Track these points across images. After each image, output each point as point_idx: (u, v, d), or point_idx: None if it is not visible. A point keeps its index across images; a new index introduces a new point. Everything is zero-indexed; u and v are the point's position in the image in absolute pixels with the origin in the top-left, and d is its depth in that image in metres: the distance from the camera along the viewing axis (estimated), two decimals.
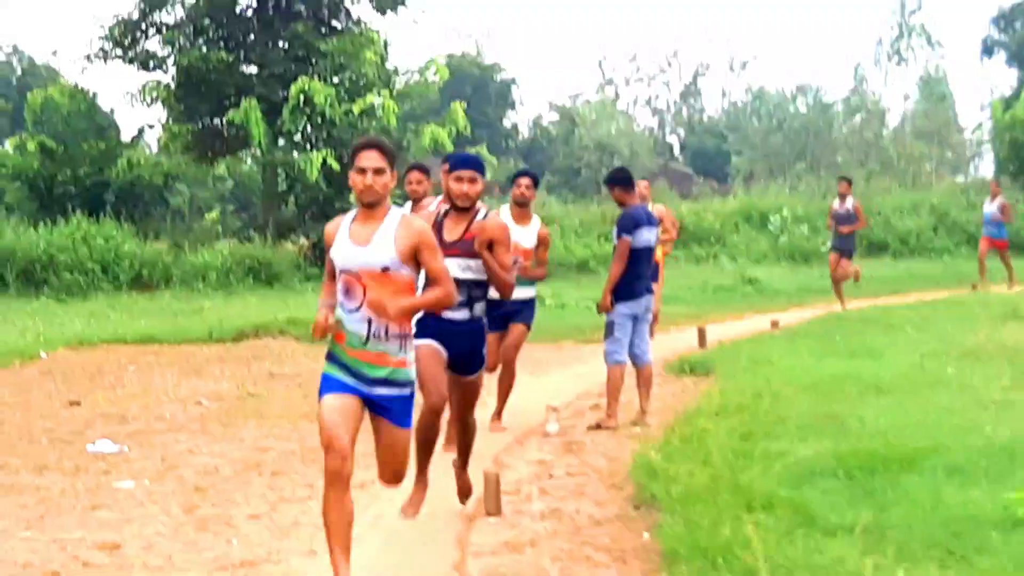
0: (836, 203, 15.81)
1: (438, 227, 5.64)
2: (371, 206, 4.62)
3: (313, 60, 21.83)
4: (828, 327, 12.54)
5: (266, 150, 20.84)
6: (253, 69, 22.84)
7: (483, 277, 5.65)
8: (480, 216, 5.72)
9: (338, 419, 4.53)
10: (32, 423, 8.83)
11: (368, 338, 4.60)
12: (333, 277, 4.74)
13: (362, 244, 4.61)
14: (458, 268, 5.45)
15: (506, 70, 61.81)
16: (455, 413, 6.03)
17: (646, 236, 8.19)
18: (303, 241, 21.41)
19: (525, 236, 7.68)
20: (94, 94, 25.85)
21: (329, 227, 4.80)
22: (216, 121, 22.41)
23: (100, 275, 19.19)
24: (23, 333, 13.84)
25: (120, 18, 22.74)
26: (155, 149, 26.67)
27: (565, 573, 5.02)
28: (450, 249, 5.49)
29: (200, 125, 22.58)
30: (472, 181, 5.60)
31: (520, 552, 5.35)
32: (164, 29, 22.99)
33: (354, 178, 4.62)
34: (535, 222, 7.87)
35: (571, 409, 9.03)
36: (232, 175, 25.50)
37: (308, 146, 21.03)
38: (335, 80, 21.39)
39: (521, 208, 7.79)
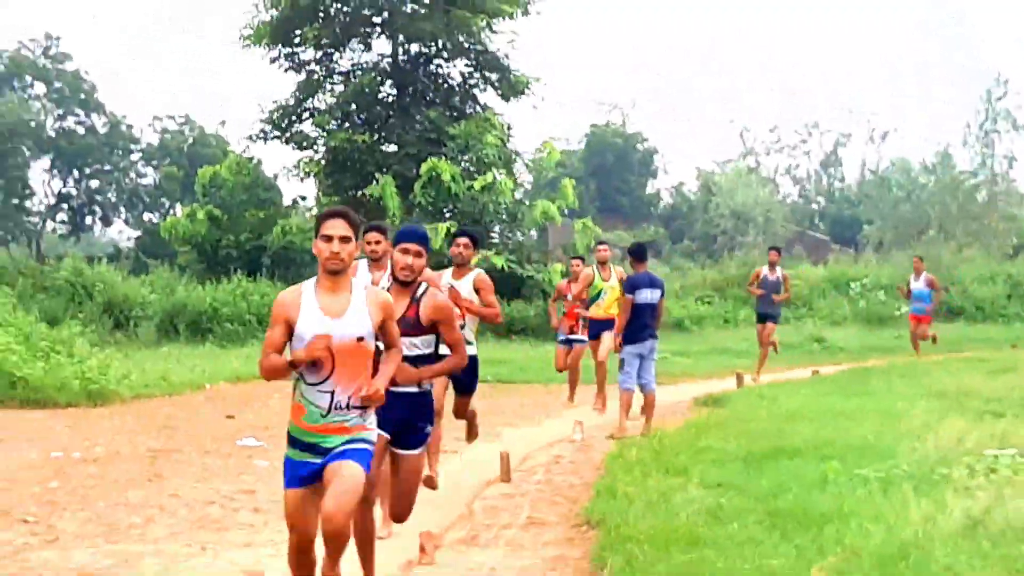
0: (766, 270, 16.54)
1: None
2: (336, 274, 4.79)
3: (443, 142, 25.41)
4: (852, 376, 15.03)
5: (399, 220, 24.40)
6: (391, 148, 26.61)
7: (429, 351, 5.78)
8: (421, 291, 5.78)
9: (303, 511, 4.84)
10: (199, 429, 12.22)
11: (329, 410, 4.77)
12: (278, 350, 4.82)
13: (336, 316, 4.76)
14: (405, 346, 5.46)
15: (648, 139, 65.17)
16: (392, 501, 6.04)
17: (647, 295, 11.02)
18: None
19: (463, 287, 8.16)
20: (259, 161, 29.93)
21: (285, 298, 4.86)
22: (359, 194, 26.14)
23: (256, 326, 22.92)
24: (192, 370, 17.45)
25: (279, 104, 26.93)
26: (307, 216, 30.75)
27: (533, 508, 7.93)
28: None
29: (345, 197, 26.38)
30: (418, 255, 5.62)
31: (512, 499, 8.28)
32: (316, 114, 27.10)
33: (320, 246, 4.78)
34: (472, 274, 8.32)
35: (604, 426, 11.90)
36: None
37: (435, 217, 24.46)
38: (461, 159, 24.88)
39: (460, 267, 8.28)
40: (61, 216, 60.24)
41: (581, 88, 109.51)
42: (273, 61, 27.12)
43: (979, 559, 5.38)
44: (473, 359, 7.54)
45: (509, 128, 26.38)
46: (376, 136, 26.52)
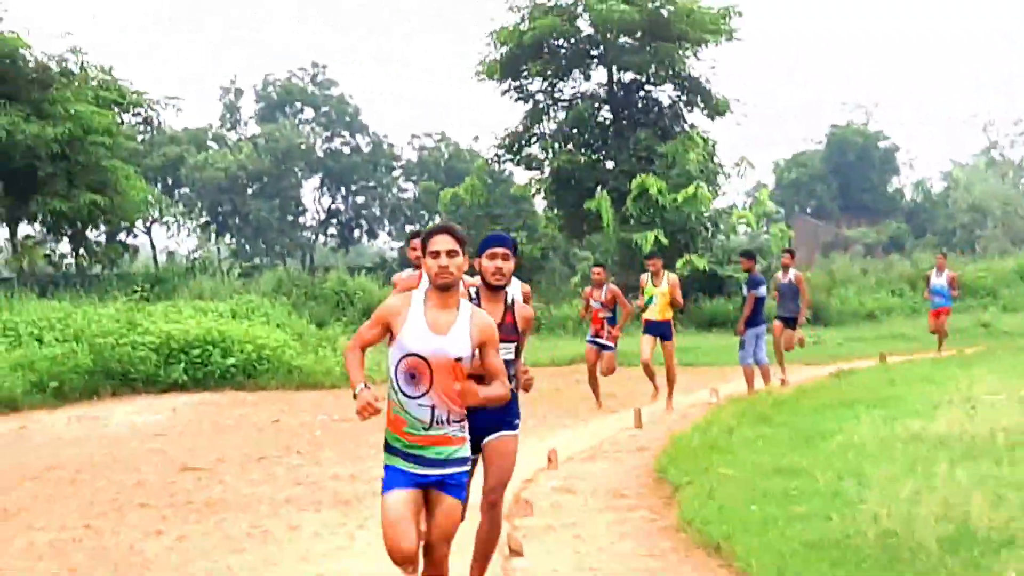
0: (780, 274, 17.17)
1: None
2: (445, 289, 4.94)
3: (652, 159, 29.69)
4: (979, 355, 18.29)
5: (614, 230, 28.75)
6: (608, 166, 31.11)
7: (511, 357, 5.74)
8: (511, 298, 5.86)
9: (403, 516, 4.84)
10: None
11: (431, 424, 4.90)
12: (368, 344, 5.09)
13: (441, 333, 4.90)
14: (501, 350, 5.38)
15: (890, 137, 67.00)
16: (491, 481, 5.83)
17: (763, 291, 14.97)
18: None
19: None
20: (509, 174, 35.01)
21: (392, 303, 5.08)
22: (580, 208, 30.70)
23: None
24: None
25: (509, 131, 31.98)
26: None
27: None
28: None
29: (568, 211, 31.11)
30: (505, 258, 5.66)
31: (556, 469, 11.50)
32: (542, 138, 31.96)
33: (428, 262, 4.94)
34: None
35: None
36: (592, 249, 33.40)
37: (645, 226, 28.67)
38: (668, 174, 29.03)
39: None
40: (331, 230, 67.76)
41: (820, 90, 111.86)
42: (504, 93, 32.19)
43: None
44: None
45: (714, 144, 30.39)
46: (594, 156, 31.19)
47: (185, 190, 61.87)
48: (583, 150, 31.57)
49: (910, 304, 29.24)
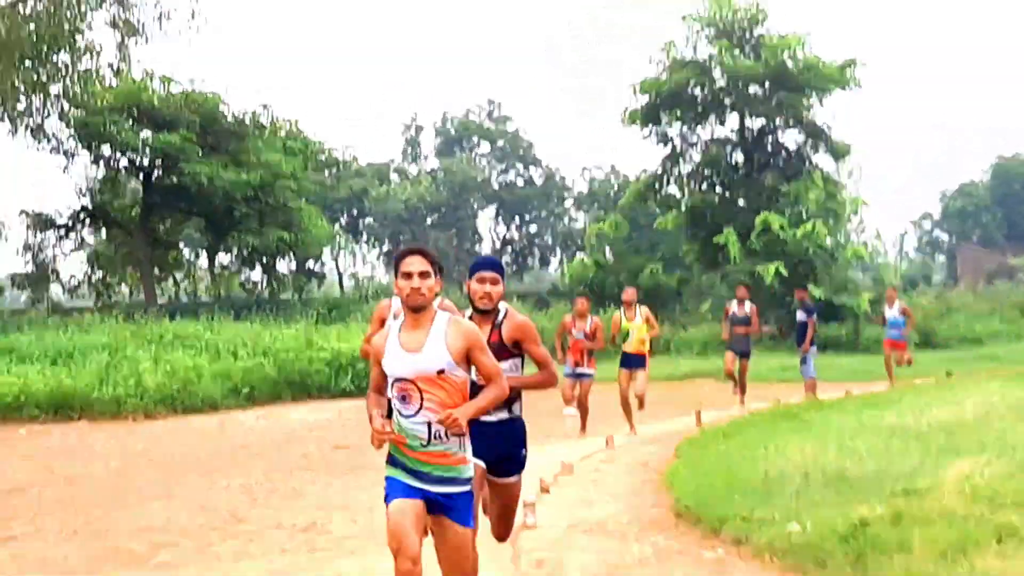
0: (735, 306, 18.50)
1: None
2: (418, 310, 5.14)
3: (776, 198, 33.35)
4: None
5: (740, 262, 32.44)
6: (739, 204, 34.88)
7: (517, 374, 6.06)
8: (501, 316, 6.08)
9: (406, 523, 5.00)
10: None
11: (429, 440, 5.09)
12: (379, 390, 5.34)
13: (414, 351, 5.09)
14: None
15: None
16: (494, 528, 6.37)
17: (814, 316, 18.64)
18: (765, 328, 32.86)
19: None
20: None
21: (377, 339, 5.33)
22: (711, 242, 34.52)
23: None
24: None
25: (649, 172, 36.24)
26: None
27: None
28: None
29: (699, 244, 34.99)
30: (494, 282, 5.98)
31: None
32: (680, 179, 36.03)
33: (400, 284, 5.12)
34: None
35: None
36: (722, 280, 37.09)
37: (766, 259, 32.29)
38: (790, 211, 32.64)
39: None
40: (506, 258, 72.83)
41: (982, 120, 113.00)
42: (645, 138, 36.40)
43: None
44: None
45: (836, 183, 33.92)
46: (726, 194, 35.10)
47: (369, 220, 67.96)
48: (715, 190, 35.64)
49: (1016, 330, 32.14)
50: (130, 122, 33.88)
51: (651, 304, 21.66)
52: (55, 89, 31.32)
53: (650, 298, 35.77)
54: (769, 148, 35.49)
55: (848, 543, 6.89)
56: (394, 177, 69.71)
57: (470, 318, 5.98)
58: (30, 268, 38.27)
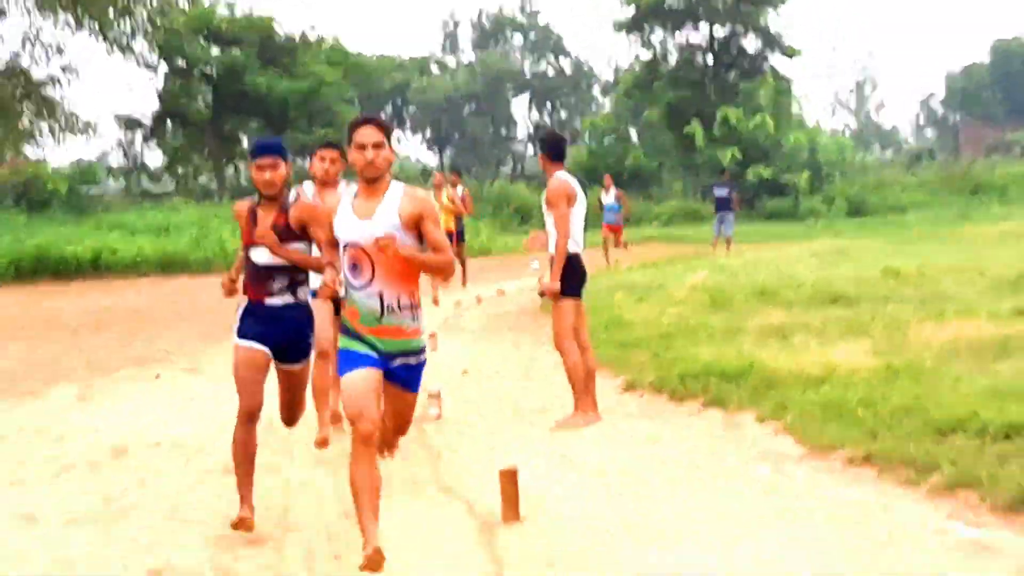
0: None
1: (252, 217, 5.88)
2: (372, 181, 5.11)
3: (735, 95, 40.74)
4: None
5: (704, 149, 39.98)
6: (708, 99, 42.38)
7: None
8: (289, 200, 5.94)
9: (364, 390, 5.04)
10: None
11: (382, 313, 5.07)
12: (332, 244, 5.30)
13: (366, 217, 5.08)
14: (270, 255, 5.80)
15: None
16: (283, 409, 6.24)
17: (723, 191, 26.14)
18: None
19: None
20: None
21: (331, 206, 5.30)
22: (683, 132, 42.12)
23: None
24: None
25: (635, 72, 43.63)
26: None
27: None
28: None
29: (676, 134, 42.60)
30: (274, 167, 5.81)
31: None
32: (660, 79, 43.43)
33: (354, 155, 5.09)
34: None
35: None
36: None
37: (725, 145, 39.90)
38: (744, 106, 40.12)
39: (325, 184, 7.57)
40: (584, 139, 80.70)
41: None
42: (631, 44, 44.03)
43: None
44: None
45: (786, 81, 41.31)
46: (696, 92, 42.60)
47: (412, 109, 75.59)
48: (687, 88, 43.08)
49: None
50: (201, 40, 41.94)
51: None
52: (142, 14, 39.08)
53: (634, 179, 43.54)
54: (733, 52, 42.86)
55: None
56: (434, 69, 77.10)
57: (258, 204, 5.92)
58: (122, 161, 47.33)
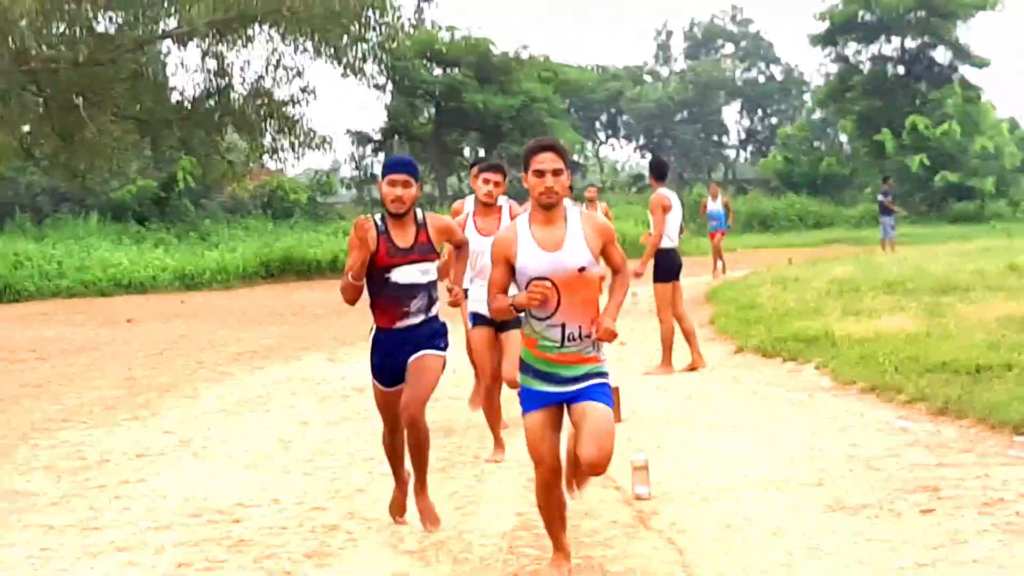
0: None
1: (386, 237, 5.90)
2: (550, 207, 5.06)
3: (924, 104, 42.66)
4: None
5: (894, 155, 42.04)
6: (897, 108, 44.38)
7: (435, 278, 6.05)
8: (420, 217, 6.02)
9: (544, 436, 5.06)
10: None
11: (563, 342, 5.03)
12: (503, 289, 5.14)
13: (554, 249, 5.02)
14: (418, 273, 5.92)
15: None
16: (407, 417, 5.99)
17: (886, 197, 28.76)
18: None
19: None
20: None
21: (503, 236, 5.19)
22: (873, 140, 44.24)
23: None
24: None
25: (827, 85, 46.04)
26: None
27: None
28: (408, 255, 5.90)
29: (867, 142, 44.63)
30: (406, 185, 5.85)
31: None
32: (853, 89, 45.59)
33: (533, 182, 5.03)
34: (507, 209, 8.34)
35: None
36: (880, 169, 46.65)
37: (914, 152, 41.89)
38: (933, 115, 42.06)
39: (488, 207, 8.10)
40: (750, 148, 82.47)
41: None
42: (825, 57, 46.33)
43: None
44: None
45: (975, 90, 42.85)
46: (886, 102, 44.68)
47: (626, 117, 79.03)
48: (878, 98, 45.14)
49: None
50: (425, 62, 46.59)
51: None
52: (373, 40, 43.97)
53: (827, 185, 45.86)
54: (923, 63, 44.72)
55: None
56: (647, 79, 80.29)
57: (383, 219, 5.96)
58: (354, 172, 52.65)
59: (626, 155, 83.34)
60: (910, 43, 44.92)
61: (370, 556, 5.94)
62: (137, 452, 8.81)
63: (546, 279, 4.96)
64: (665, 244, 11.91)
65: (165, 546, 6.16)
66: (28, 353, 15.93)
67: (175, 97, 42.92)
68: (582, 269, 4.99)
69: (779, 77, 79.86)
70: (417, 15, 44.14)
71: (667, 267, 11.96)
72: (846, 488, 6.68)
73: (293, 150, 48.02)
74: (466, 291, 7.81)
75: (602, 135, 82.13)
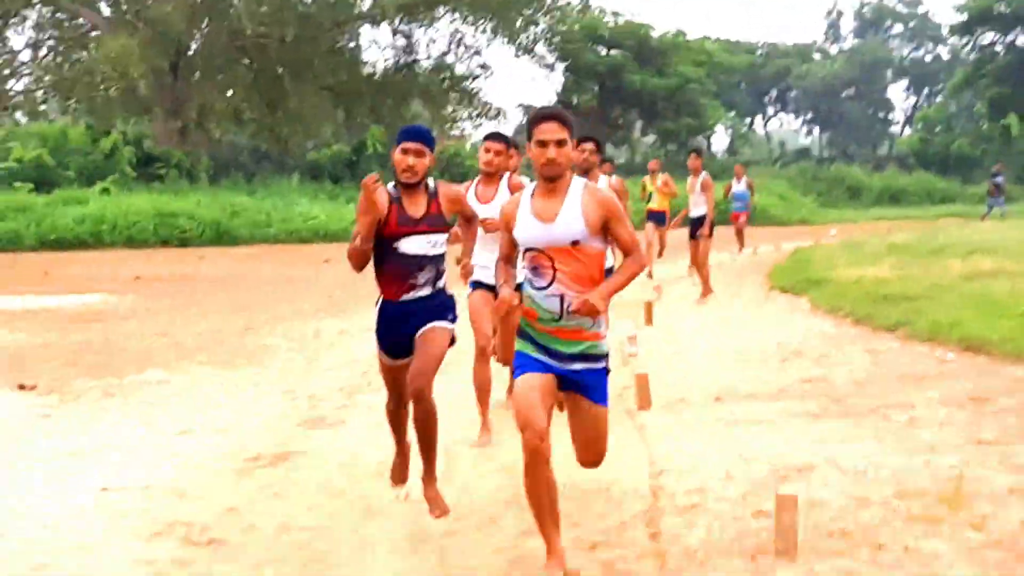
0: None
1: (398, 206, 5.79)
2: (553, 180, 4.95)
3: None
4: None
5: (1019, 138, 45.47)
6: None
7: (444, 251, 5.92)
8: (432, 186, 5.90)
9: (534, 399, 4.86)
10: None
11: (562, 314, 4.94)
12: (508, 259, 5.22)
13: (548, 220, 4.94)
14: (427, 244, 5.79)
15: None
16: (413, 390, 5.82)
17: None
18: None
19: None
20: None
21: (507, 207, 5.16)
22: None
23: None
24: None
25: (964, 72, 49.54)
26: None
27: None
28: (418, 225, 5.78)
29: (998, 125, 47.96)
30: (419, 154, 5.76)
31: None
32: (987, 76, 48.96)
33: (534, 151, 4.91)
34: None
35: None
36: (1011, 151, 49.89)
37: None
38: None
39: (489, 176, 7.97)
40: (919, 124, 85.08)
41: None
42: (963, 46, 49.43)
43: None
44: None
45: None
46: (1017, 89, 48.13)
47: (795, 93, 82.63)
48: (1010, 84, 48.58)
49: None
50: (590, 44, 51.96)
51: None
52: (543, 24, 49.44)
53: (960, 164, 49.58)
54: None
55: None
56: (816, 56, 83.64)
57: (396, 188, 5.85)
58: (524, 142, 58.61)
59: (792, 132, 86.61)
60: None
61: None
62: (339, 330, 14.43)
63: (540, 251, 4.94)
64: (700, 212, 16.95)
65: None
66: (256, 281, 22.06)
67: (367, 71, 49.47)
68: (575, 243, 4.90)
69: (945, 57, 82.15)
70: (583, 1, 49.66)
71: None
72: (765, 362, 11.72)
73: (471, 120, 54.18)
74: None
75: (771, 110, 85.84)
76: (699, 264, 17.27)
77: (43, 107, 46.90)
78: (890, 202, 47.08)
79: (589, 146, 8.98)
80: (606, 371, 5.12)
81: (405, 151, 5.76)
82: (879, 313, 13.55)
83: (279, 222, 34.96)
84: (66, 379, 10.75)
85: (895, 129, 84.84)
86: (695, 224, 17.39)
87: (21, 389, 10.26)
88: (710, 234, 17.19)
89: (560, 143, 4.87)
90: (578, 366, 5.00)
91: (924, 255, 20.05)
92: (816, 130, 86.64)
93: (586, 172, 8.72)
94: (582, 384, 5.02)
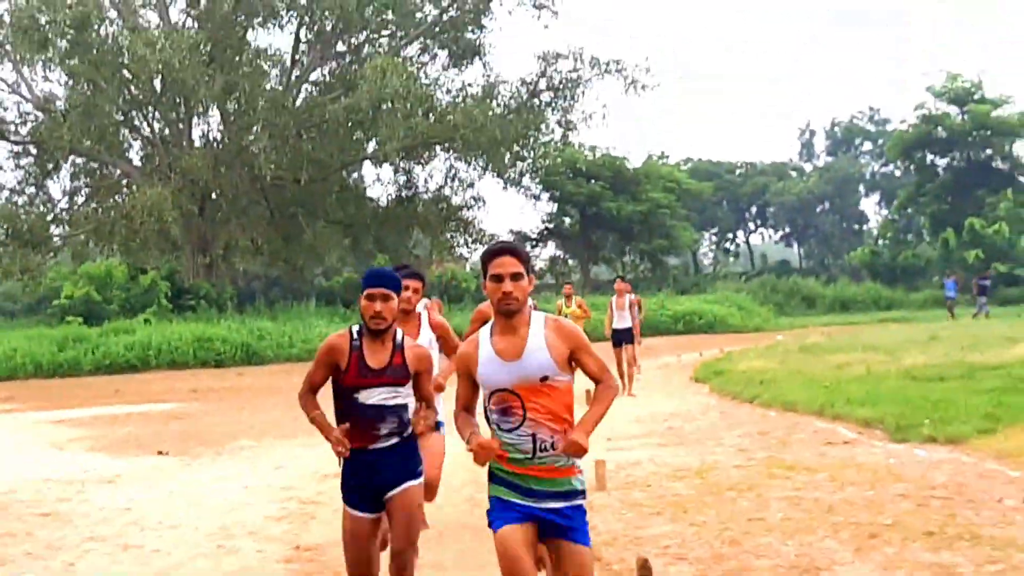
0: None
1: (358, 355, 5.75)
2: (511, 315, 4.86)
3: (982, 207, 52.48)
4: None
5: (955, 250, 51.92)
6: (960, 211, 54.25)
7: (410, 400, 5.86)
8: (399, 338, 5.86)
9: (519, 550, 4.74)
10: None
11: (534, 453, 4.81)
12: (468, 408, 5.09)
13: (514, 358, 4.82)
14: (389, 394, 5.73)
15: None
16: (395, 544, 5.81)
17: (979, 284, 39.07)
18: None
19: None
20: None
21: (464, 349, 5.06)
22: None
23: None
24: None
25: (906, 191, 56.15)
26: None
27: None
28: (379, 377, 5.72)
29: (939, 238, 54.52)
30: (385, 299, 5.71)
31: None
32: (926, 194, 55.60)
33: (490, 287, 4.87)
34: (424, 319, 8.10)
35: None
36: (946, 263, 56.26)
37: (971, 247, 51.68)
38: (987, 216, 51.85)
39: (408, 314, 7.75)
40: (890, 233, 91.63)
41: None
42: (905, 168, 56.19)
43: None
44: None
45: None
46: (952, 207, 54.85)
47: (772, 208, 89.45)
48: (946, 202, 55.36)
49: None
50: (569, 176, 58.84)
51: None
52: (528, 159, 56.12)
53: (903, 274, 55.84)
54: (979, 174, 54.83)
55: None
56: (792, 174, 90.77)
57: (359, 333, 5.83)
58: None
59: (770, 245, 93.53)
60: (975, 156, 55.17)
61: None
62: None
63: (508, 391, 4.80)
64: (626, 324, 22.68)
65: None
66: (289, 389, 27.85)
67: (372, 205, 55.76)
68: (544, 378, 4.78)
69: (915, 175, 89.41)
70: (562, 138, 56.42)
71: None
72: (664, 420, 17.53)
73: (467, 246, 60.54)
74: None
75: (751, 225, 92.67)
76: (630, 364, 22.47)
77: (88, 248, 52.85)
78: (841, 310, 53.03)
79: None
80: (584, 508, 4.99)
81: (371, 297, 5.73)
82: (746, 391, 19.60)
83: (300, 343, 40.57)
84: (186, 449, 16.49)
85: (871, 240, 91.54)
86: (621, 334, 21.81)
87: (160, 454, 16.03)
88: (639, 342, 22.90)
89: (515, 276, 4.81)
90: (555, 504, 4.87)
91: (819, 352, 25.99)
92: (796, 243, 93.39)
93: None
94: (562, 526, 4.87)
